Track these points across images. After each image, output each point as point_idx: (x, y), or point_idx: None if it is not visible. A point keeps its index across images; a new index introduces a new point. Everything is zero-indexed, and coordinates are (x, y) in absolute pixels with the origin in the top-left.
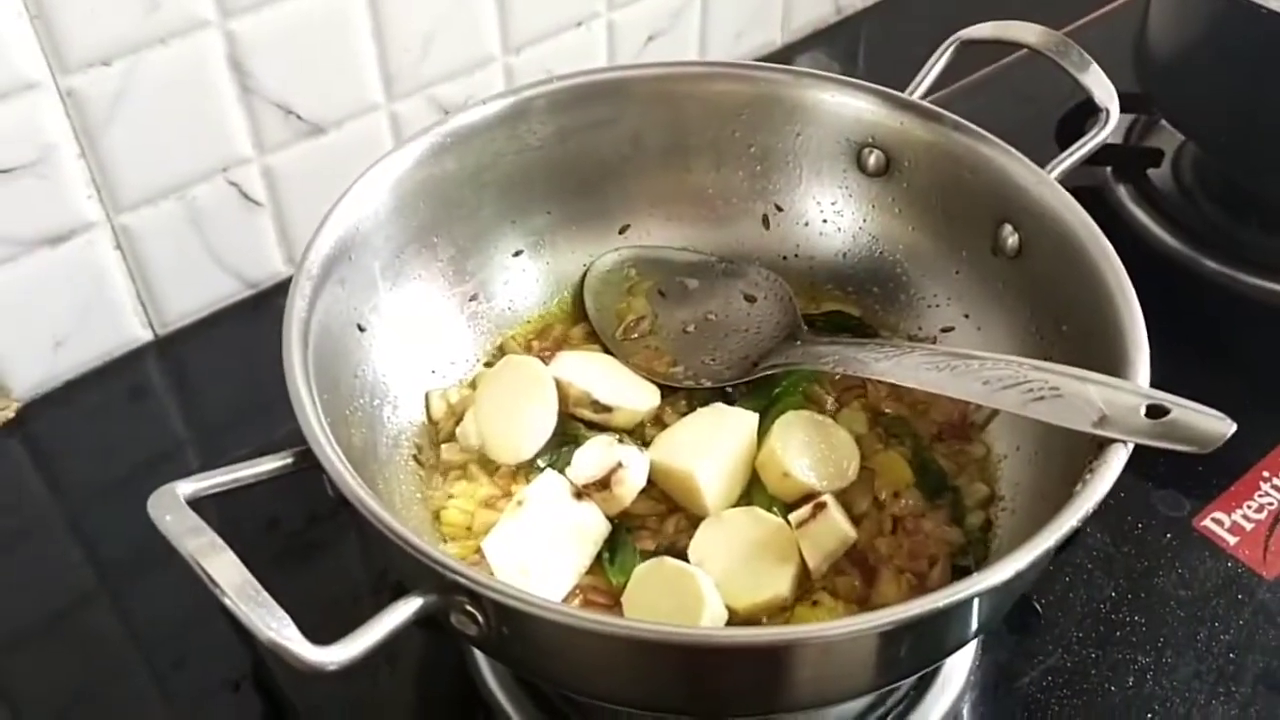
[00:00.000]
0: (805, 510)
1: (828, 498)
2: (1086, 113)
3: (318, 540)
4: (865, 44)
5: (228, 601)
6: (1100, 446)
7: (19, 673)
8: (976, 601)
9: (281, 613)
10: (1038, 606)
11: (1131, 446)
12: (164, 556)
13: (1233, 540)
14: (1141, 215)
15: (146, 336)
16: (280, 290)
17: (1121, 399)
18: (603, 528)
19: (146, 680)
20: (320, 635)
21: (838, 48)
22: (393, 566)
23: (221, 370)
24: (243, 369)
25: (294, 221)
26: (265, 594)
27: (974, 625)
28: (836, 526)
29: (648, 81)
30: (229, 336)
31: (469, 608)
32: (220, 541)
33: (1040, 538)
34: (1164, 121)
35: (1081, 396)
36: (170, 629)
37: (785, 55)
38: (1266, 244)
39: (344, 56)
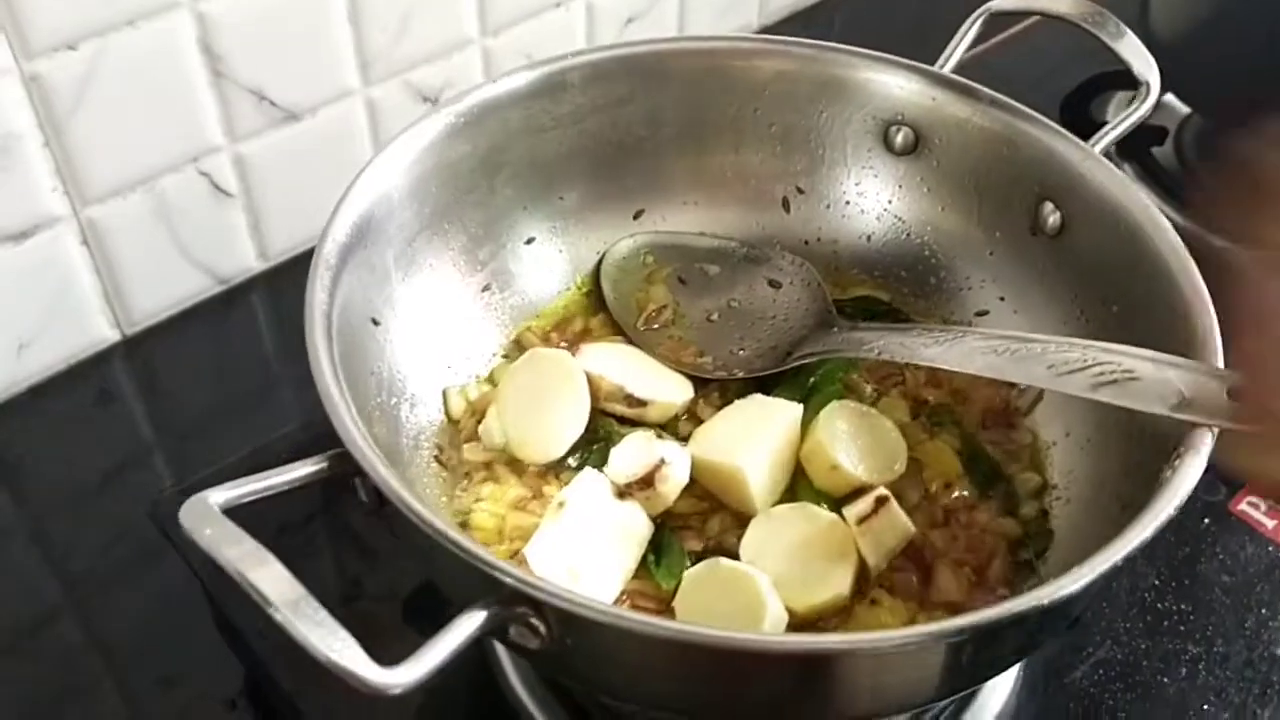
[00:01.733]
0: (866, 505)
1: (885, 490)
2: (1091, 91)
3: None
4: (842, 25)
5: (280, 619)
6: (1179, 433)
7: None
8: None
9: (344, 632)
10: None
11: (1217, 431)
12: (137, 567)
13: (1271, 524)
14: (1147, 194)
15: (114, 337)
16: (253, 286)
17: (1201, 381)
18: (646, 528)
19: (121, 699)
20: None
21: (815, 29)
22: (441, 578)
23: (193, 371)
24: (215, 369)
25: (267, 213)
26: (324, 611)
27: (1057, 626)
28: (898, 521)
29: (666, 57)
30: (200, 335)
31: (532, 620)
32: (265, 552)
33: (1136, 529)
34: (1165, 97)
35: (1159, 379)
36: (148, 644)
37: None
38: None
39: (319, 40)
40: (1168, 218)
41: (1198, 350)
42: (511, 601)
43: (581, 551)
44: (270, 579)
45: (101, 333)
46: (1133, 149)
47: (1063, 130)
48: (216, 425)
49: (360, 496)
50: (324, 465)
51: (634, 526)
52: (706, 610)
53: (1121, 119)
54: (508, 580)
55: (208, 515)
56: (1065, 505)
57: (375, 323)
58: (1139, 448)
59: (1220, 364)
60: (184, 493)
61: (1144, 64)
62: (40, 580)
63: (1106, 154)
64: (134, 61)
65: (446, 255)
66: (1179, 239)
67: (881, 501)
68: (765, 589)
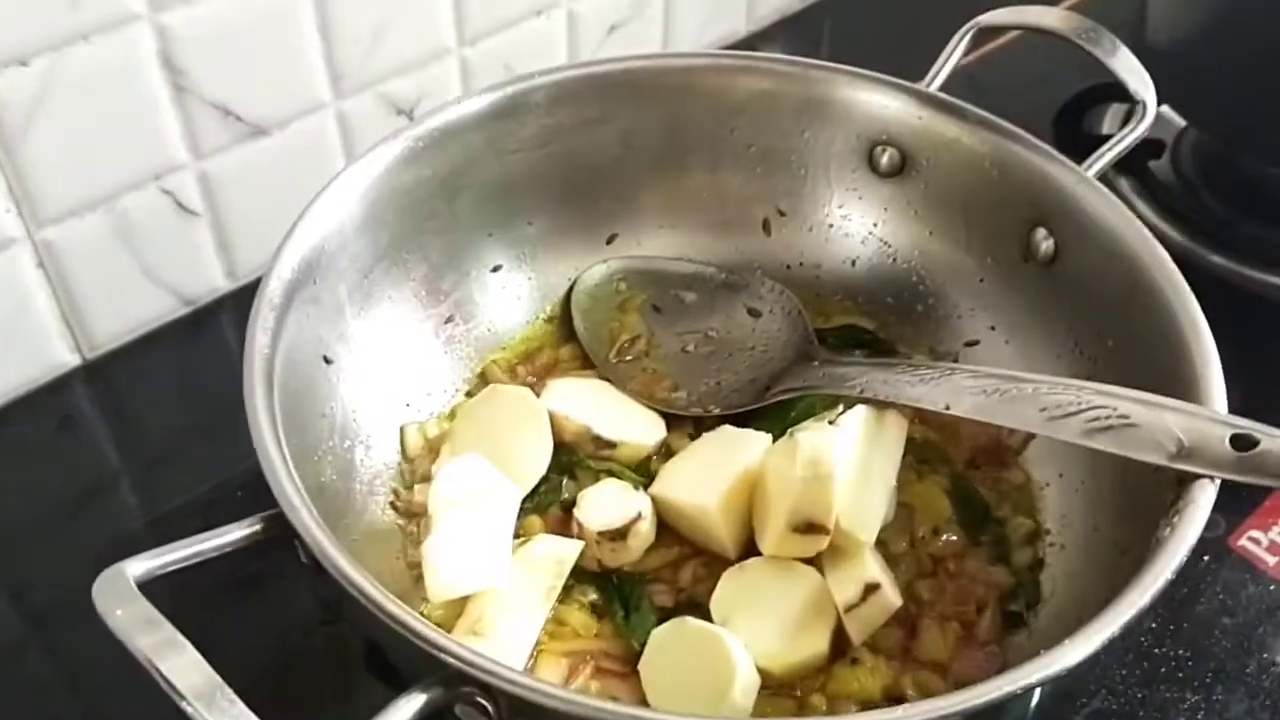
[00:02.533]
0: (854, 592)
1: (876, 567)
2: (1085, 104)
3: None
4: (831, 31)
5: (192, 712)
6: (1179, 482)
7: None
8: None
9: None
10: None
11: (1218, 483)
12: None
13: (1272, 560)
14: (1144, 208)
15: (74, 361)
16: (220, 307)
17: (1202, 427)
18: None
19: None
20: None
21: (805, 35)
22: (387, 649)
23: (158, 396)
24: (181, 394)
25: (234, 232)
26: (240, 703)
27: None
28: (887, 603)
29: (639, 75)
30: (165, 359)
31: (479, 699)
32: (179, 637)
33: (1128, 599)
34: (1162, 110)
35: (1156, 425)
36: (113, 686)
37: (750, 45)
38: (1272, 237)
39: (287, 51)
40: (1166, 235)
41: (1198, 392)
42: (457, 682)
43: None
44: (182, 668)
45: (61, 357)
46: (1129, 163)
47: (1055, 152)
48: (183, 453)
49: (301, 558)
50: (258, 528)
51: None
52: (673, 674)
53: (1118, 140)
54: (452, 661)
55: (122, 593)
56: (1059, 552)
57: (328, 361)
58: (1137, 491)
59: (1222, 407)
60: (153, 525)
61: (1139, 81)
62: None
63: (1107, 171)
64: (90, 78)
65: (406, 286)
66: (1176, 270)
67: (871, 589)
68: (735, 651)
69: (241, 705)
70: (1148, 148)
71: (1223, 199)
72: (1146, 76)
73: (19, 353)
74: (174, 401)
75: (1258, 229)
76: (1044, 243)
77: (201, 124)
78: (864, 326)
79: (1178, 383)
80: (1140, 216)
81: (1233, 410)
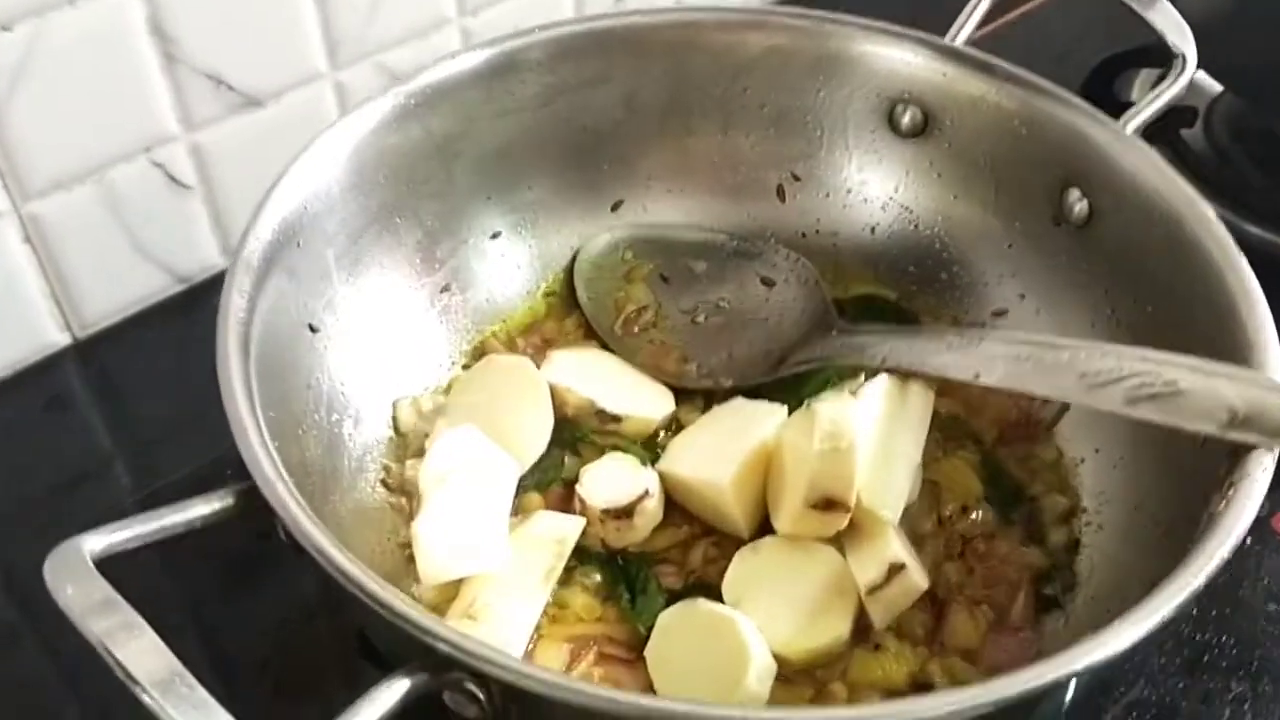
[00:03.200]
0: (877, 572)
1: (900, 546)
2: (1115, 68)
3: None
4: None
5: (149, 701)
6: (1232, 454)
7: None
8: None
9: (224, 714)
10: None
11: (1277, 453)
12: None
13: None
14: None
15: (64, 340)
16: (216, 284)
17: (1259, 394)
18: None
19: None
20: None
21: None
22: (372, 633)
23: (151, 375)
24: (175, 373)
25: (229, 206)
26: (201, 690)
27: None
28: (912, 585)
29: (644, 30)
30: (158, 337)
31: (469, 685)
32: (138, 619)
33: (1185, 574)
34: (1195, 76)
35: (1208, 393)
36: (104, 667)
37: None
38: None
39: (282, 19)
40: None
41: (1251, 358)
42: (446, 667)
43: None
44: (138, 654)
45: (50, 336)
46: (1161, 131)
47: (1089, 108)
48: (177, 434)
49: (280, 535)
50: (230, 502)
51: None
52: (682, 661)
53: (1155, 95)
54: (438, 645)
55: (75, 569)
56: (1097, 532)
57: (313, 329)
58: (1182, 466)
59: (1278, 374)
60: (143, 504)
61: (1179, 35)
62: None
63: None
64: (76, 44)
65: (399, 252)
66: (1225, 230)
67: (895, 570)
68: (749, 635)
69: (202, 692)
70: (1180, 115)
71: (1257, 167)
72: (1186, 29)
73: (6, 331)
74: (167, 381)
75: None
76: (1078, 204)
77: (193, 94)
78: (884, 296)
79: (1227, 350)
80: None
81: None
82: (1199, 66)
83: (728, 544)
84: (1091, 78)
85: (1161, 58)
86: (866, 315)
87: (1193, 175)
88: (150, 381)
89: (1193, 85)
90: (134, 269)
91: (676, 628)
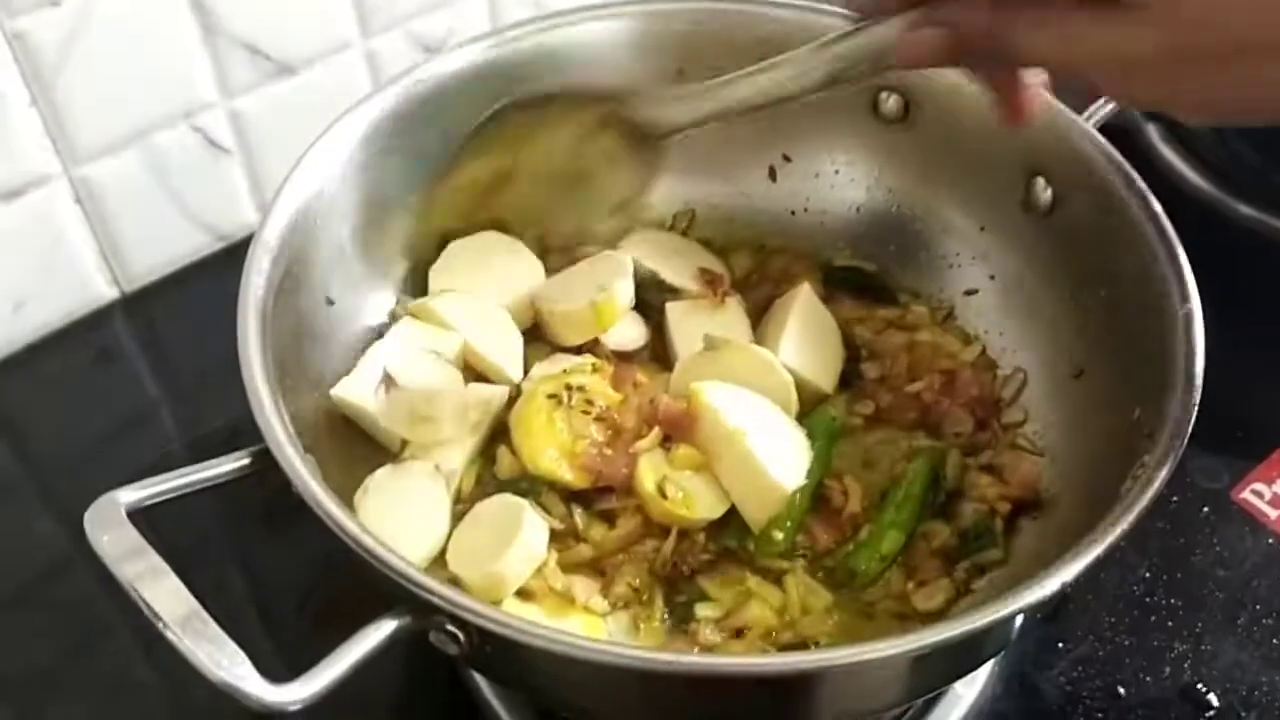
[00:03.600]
0: None
1: None
2: None
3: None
4: None
5: (171, 636)
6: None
7: None
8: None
9: (233, 647)
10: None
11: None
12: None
13: (1273, 514)
14: (1173, 156)
15: (112, 295)
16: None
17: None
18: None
19: (127, 653)
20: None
21: None
22: (370, 580)
23: (194, 328)
24: (216, 326)
25: (266, 169)
26: (214, 625)
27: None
28: None
29: (644, 19)
30: (201, 292)
31: (450, 627)
32: (163, 565)
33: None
34: None
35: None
36: None
37: None
38: None
39: None
40: (1195, 185)
41: (1177, 341)
42: (428, 612)
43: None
44: (163, 594)
45: (99, 290)
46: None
47: (1055, 101)
48: (218, 383)
49: (294, 492)
50: (247, 461)
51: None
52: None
53: None
54: (423, 594)
55: (111, 519)
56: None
57: (330, 302)
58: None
59: (1196, 385)
60: (190, 447)
61: None
62: (44, 536)
63: (1136, 116)
64: (120, 17)
65: (412, 229)
66: (1167, 222)
67: None
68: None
69: (215, 627)
70: None
71: (1255, 147)
72: None
73: (59, 285)
74: (208, 334)
75: None
76: (1043, 193)
77: (230, 63)
78: (865, 268)
79: (1162, 338)
80: (1168, 165)
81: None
82: None
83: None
84: None
85: None
86: (848, 285)
87: (1189, 153)
88: (193, 334)
89: None
90: (177, 228)
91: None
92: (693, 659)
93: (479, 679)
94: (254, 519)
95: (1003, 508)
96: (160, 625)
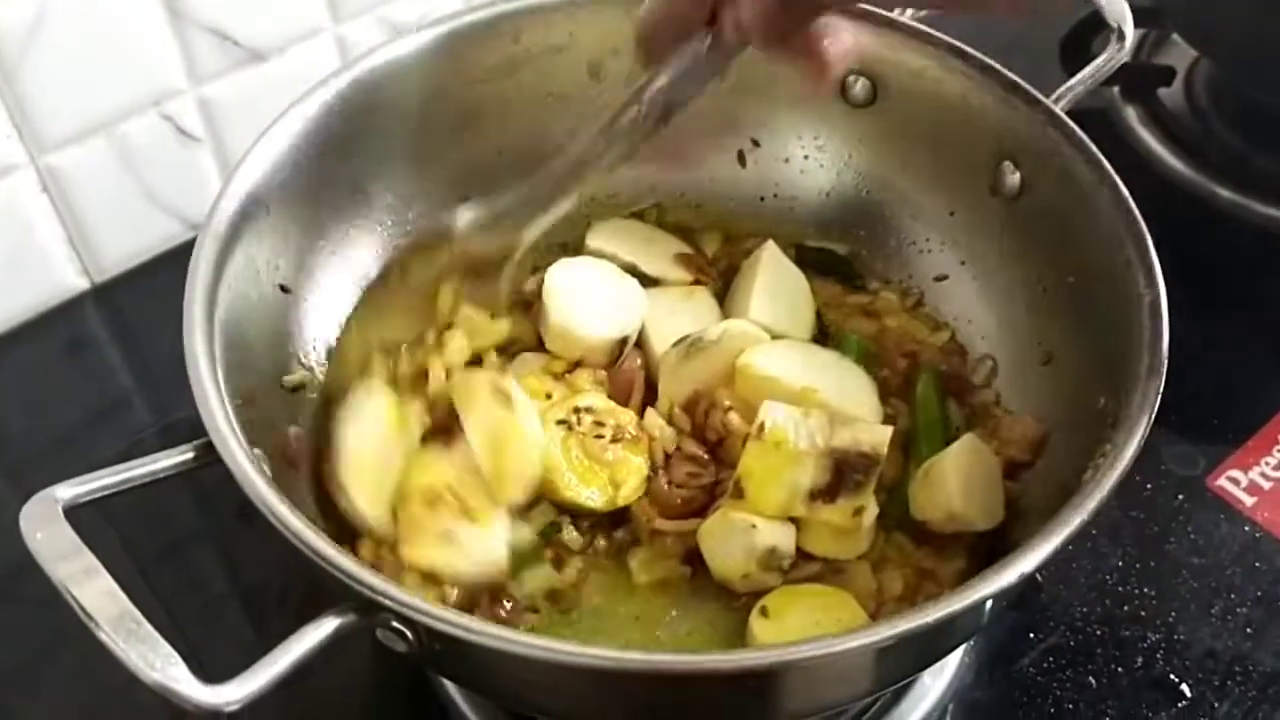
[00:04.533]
0: None
1: None
2: (1094, 27)
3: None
4: None
5: (103, 637)
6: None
7: None
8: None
9: (167, 649)
10: (1038, 578)
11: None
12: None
13: (1250, 501)
14: (1150, 139)
15: (83, 285)
16: None
17: None
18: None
19: (97, 648)
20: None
21: None
22: (315, 577)
23: (166, 318)
24: None
25: (236, 156)
26: (147, 626)
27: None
28: None
29: (606, 3)
30: (172, 282)
31: (395, 624)
32: (95, 564)
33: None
34: (1176, 36)
35: None
36: None
37: None
38: None
39: None
40: (1173, 169)
41: (1141, 329)
42: (372, 609)
43: None
44: (95, 594)
45: (69, 281)
46: (1138, 91)
47: (1022, 83)
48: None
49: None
50: (190, 455)
51: None
52: None
53: (1089, 72)
54: (366, 591)
55: (47, 517)
56: None
57: (284, 290)
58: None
59: (1163, 343)
60: (161, 434)
61: (1116, 10)
62: (13, 532)
63: (1114, 98)
64: (85, 3)
65: (371, 215)
66: (1134, 207)
67: None
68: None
69: (148, 627)
70: (1159, 75)
71: (1235, 130)
72: (1124, 4)
73: (27, 276)
74: (179, 323)
75: (1270, 162)
76: (1010, 177)
77: (198, 49)
78: (836, 250)
79: (1125, 325)
80: (1147, 149)
81: (1247, 352)
82: (1176, 31)
83: None
84: (1069, 38)
85: (1139, 19)
86: (820, 265)
87: (1167, 136)
88: (164, 323)
89: (1174, 45)
90: (147, 217)
91: None
92: (636, 656)
93: (455, 693)
94: (229, 513)
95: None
96: (92, 626)
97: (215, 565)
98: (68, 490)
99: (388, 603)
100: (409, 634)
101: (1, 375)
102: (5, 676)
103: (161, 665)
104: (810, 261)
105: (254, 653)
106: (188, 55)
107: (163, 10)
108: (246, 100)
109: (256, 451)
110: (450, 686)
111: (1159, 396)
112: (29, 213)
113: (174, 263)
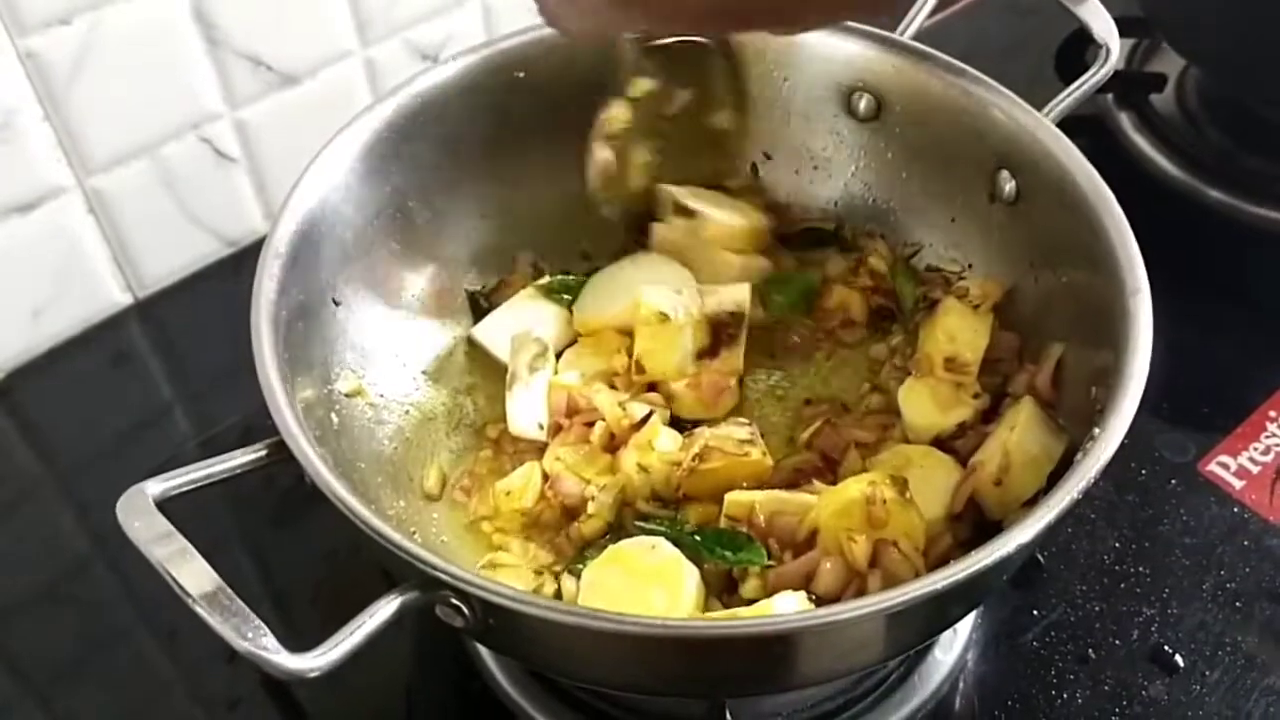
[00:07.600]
0: None
1: None
2: (1087, 39)
3: (299, 516)
4: None
5: (200, 610)
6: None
7: (16, 641)
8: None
9: (256, 620)
10: (1040, 558)
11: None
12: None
13: (1239, 484)
14: (1143, 143)
15: (126, 300)
16: (261, 247)
17: None
18: None
19: (146, 644)
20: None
21: None
22: (381, 560)
23: (205, 331)
24: (227, 329)
25: (271, 176)
26: (239, 601)
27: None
28: None
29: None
30: (211, 296)
31: (454, 601)
32: (190, 547)
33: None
34: (1165, 45)
35: None
36: (169, 597)
37: None
38: (1273, 172)
39: (313, 2)
40: (1164, 170)
41: (1128, 329)
42: (433, 586)
43: None
44: (190, 573)
45: (114, 297)
46: (1131, 97)
47: (1014, 97)
48: (229, 384)
49: (307, 481)
50: (263, 453)
51: None
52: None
53: (1078, 84)
54: (427, 569)
55: (141, 508)
56: None
57: (336, 303)
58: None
59: (1147, 344)
60: (203, 445)
61: (1103, 26)
62: (65, 534)
63: (1108, 104)
64: (128, 33)
65: (411, 232)
66: (1121, 213)
67: None
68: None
69: (239, 603)
70: (1150, 82)
71: (1226, 133)
72: (1110, 21)
73: (76, 293)
74: (219, 335)
75: (1260, 164)
76: (1007, 184)
77: (235, 75)
78: (825, 228)
79: (1118, 325)
80: (1139, 153)
81: (1240, 347)
82: (1166, 40)
83: None
84: (1064, 49)
85: (1131, 28)
86: (810, 243)
87: (1159, 139)
88: (204, 336)
89: (1165, 52)
90: (187, 235)
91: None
92: (684, 623)
93: (487, 658)
94: (265, 517)
95: None
96: (189, 601)
97: (251, 567)
98: (156, 485)
99: (446, 578)
100: (465, 609)
101: (51, 387)
102: (56, 672)
103: (253, 636)
104: (799, 244)
105: (306, 637)
106: (225, 81)
107: (201, 39)
108: (280, 122)
109: (320, 448)
110: (491, 664)
111: (1142, 388)
112: (76, 233)
113: (212, 278)
